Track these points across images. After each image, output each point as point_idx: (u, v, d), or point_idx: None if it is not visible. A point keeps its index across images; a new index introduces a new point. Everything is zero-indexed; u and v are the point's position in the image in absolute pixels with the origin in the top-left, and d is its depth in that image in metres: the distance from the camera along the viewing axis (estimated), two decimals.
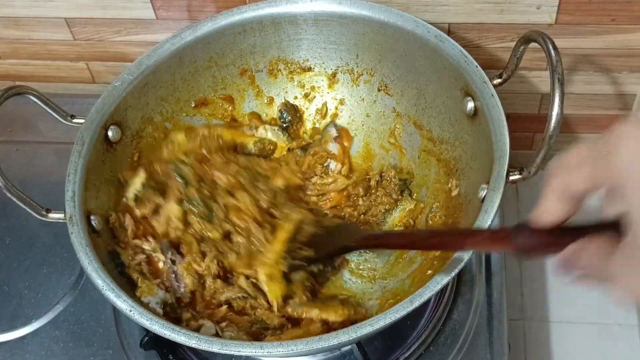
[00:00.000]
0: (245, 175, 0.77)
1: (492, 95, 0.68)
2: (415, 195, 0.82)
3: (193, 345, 0.60)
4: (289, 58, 0.84)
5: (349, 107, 0.86)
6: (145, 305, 0.68)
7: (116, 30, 0.92)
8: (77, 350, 0.79)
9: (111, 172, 0.76)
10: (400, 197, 0.82)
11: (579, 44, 0.85)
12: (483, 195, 0.65)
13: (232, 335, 0.69)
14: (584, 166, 0.42)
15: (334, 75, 0.85)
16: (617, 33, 0.83)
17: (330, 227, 0.77)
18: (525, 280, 0.96)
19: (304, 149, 0.86)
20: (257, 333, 0.71)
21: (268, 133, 0.85)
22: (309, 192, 0.84)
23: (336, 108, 0.87)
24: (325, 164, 0.86)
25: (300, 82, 0.86)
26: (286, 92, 0.86)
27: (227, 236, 0.75)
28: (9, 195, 0.68)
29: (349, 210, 0.83)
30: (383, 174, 0.83)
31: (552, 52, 0.61)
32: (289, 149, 0.86)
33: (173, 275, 0.74)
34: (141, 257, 0.73)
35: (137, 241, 0.74)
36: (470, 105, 0.71)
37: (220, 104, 0.85)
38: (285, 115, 0.86)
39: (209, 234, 0.74)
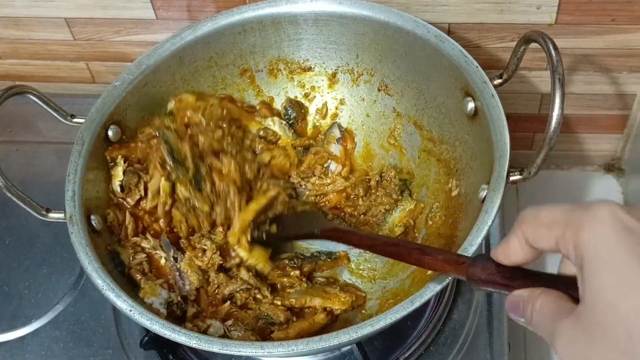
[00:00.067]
0: (231, 143, 0.78)
1: (493, 95, 0.67)
2: (415, 195, 0.82)
3: (193, 345, 0.60)
4: (289, 58, 0.84)
5: (349, 107, 0.86)
6: (147, 306, 0.68)
7: (116, 30, 0.92)
8: (77, 350, 0.79)
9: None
10: (400, 197, 0.82)
11: (579, 44, 0.85)
12: (483, 196, 0.65)
13: (239, 334, 0.70)
14: (554, 228, 0.43)
15: (334, 75, 0.85)
16: (617, 33, 0.83)
17: (299, 211, 0.79)
18: None
19: (306, 148, 0.86)
20: (264, 329, 0.72)
21: (276, 125, 0.84)
22: (307, 192, 0.84)
23: (336, 108, 0.87)
24: (326, 165, 0.86)
25: (300, 82, 0.86)
26: (286, 92, 0.86)
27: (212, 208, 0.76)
28: (9, 195, 0.68)
29: (349, 210, 0.83)
30: (383, 174, 0.83)
31: (553, 52, 0.61)
32: (293, 147, 0.86)
33: (177, 274, 0.74)
34: (141, 256, 0.73)
35: (136, 239, 0.74)
36: (471, 105, 0.71)
37: None
38: (290, 111, 0.86)
39: (197, 203, 0.74)
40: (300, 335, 0.70)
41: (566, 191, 1.01)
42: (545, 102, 0.93)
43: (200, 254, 0.75)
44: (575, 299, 0.42)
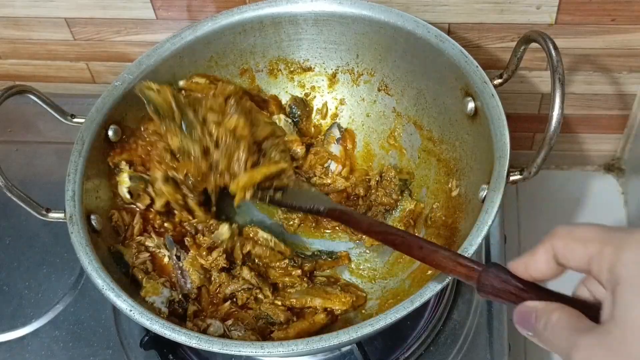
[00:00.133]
0: (241, 112, 0.77)
1: (493, 95, 0.68)
2: (415, 195, 0.82)
3: (193, 345, 0.60)
4: (289, 58, 0.84)
5: (349, 107, 0.86)
6: (149, 305, 0.68)
7: (116, 30, 0.92)
8: (77, 350, 0.79)
9: (111, 171, 0.76)
10: (400, 197, 0.82)
11: (579, 44, 0.85)
12: (483, 196, 0.65)
13: (239, 334, 0.70)
14: (591, 245, 0.43)
15: (334, 75, 0.85)
16: (617, 33, 0.83)
17: (305, 189, 0.79)
18: None
19: (307, 147, 0.86)
20: (264, 329, 0.72)
21: (281, 122, 0.84)
22: None
23: (336, 108, 0.87)
24: (326, 165, 0.86)
25: (300, 82, 0.86)
26: (286, 92, 0.86)
27: (206, 152, 0.74)
28: (9, 194, 0.68)
29: None
30: (383, 174, 0.83)
31: (553, 52, 0.61)
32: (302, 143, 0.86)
33: (179, 272, 0.74)
34: (145, 255, 0.73)
35: (140, 238, 0.74)
36: (471, 105, 0.71)
37: None
38: (294, 110, 0.86)
39: (190, 146, 0.73)
40: (300, 335, 0.70)
41: (566, 191, 1.01)
42: (545, 102, 0.93)
43: (204, 253, 0.75)
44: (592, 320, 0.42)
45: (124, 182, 0.76)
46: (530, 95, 0.92)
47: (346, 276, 0.80)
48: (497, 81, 0.70)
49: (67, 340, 0.80)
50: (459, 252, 0.59)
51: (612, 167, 1.02)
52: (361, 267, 0.80)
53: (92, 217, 0.70)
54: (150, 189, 0.75)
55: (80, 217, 0.68)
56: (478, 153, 0.71)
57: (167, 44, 0.79)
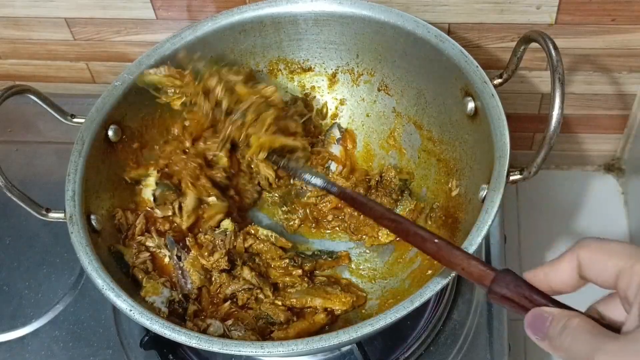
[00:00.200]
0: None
1: (493, 95, 0.67)
2: (415, 195, 0.82)
3: (193, 345, 0.60)
4: (289, 58, 0.84)
5: (349, 107, 0.86)
6: (149, 305, 0.68)
7: (116, 30, 0.92)
8: (77, 350, 0.79)
9: (111, 171, 0.76)
10: (400, 197, 0.82)
11: (579, 44, 0.85)
12: (483, 195, 0.65)
13: (239, 334, 0.70)
14: (620, 259, 0.43)
15: (334, 75, 0.85)
16: (617, 33, 0.83)
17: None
18: None
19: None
20: (264, 329, 0.72)
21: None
22: (308, 193, 0.84)
23: (336, 108, 0.87)
24: (326, 165, 0.86)
25: (300, 82, 0.86)
26: (286, 92, 0.86)
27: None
28: (9, 194, 0.68)
29: (348, 210, 0.83)
30: (383, 174, 0.83)
31: (553, 52, 0.61)
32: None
33: (180, 272, 0.75)
34: (145, 255, 0.73)
35: (141, 237, 0.74)
36: (471, 105, 0.71)
37: None
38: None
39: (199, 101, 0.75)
40: (300, 335, 0.70)
41: (566, 191, 1.02)
42: (545, 102, 0.93)
43: (206, 254, 0.75)
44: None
45: (150, 185, 0.77)
46: (530, 95, 0.92)
47: (346, 276, 0.80)
48: (497, 81, 0.70)
49: (67, 340, 0.80)
50: None
51: (612, 167, 1.02)
52: (361, 267, 0.80)
53: (92, 217, 0.70)
54: (176, 204, 0.77)
55: (80, 217, 0.68)
56: (478, 153, 0.71)
57: (167, 44, 0.78)
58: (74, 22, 0.92)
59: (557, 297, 0.48)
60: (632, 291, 0.42)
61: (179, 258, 0.75)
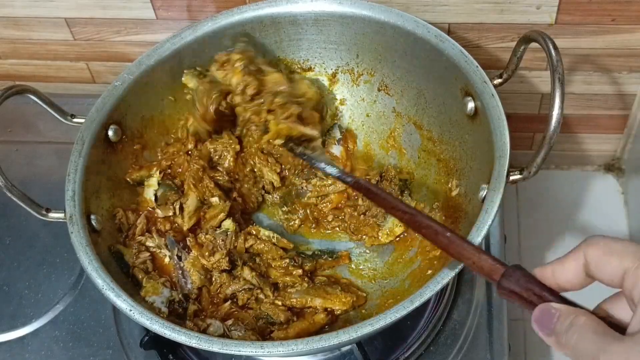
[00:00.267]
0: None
1: (492, 95, 0.68)
2: (415, 195, 0.82)
3: (193, 345, 0.60)
4: (289, 58, 0.84)
5: (349, 107, 0.86)
6: (149, 305, 0.68)
7: (116, 30, 0.92)
8: (77, 350, 0.79)
9: (111, 171, 0.76)
10: (400, 197, 0.82)
11: (579, 44, 0.85)
12: (483, 195, 0.65)
13: (239, 334, 0.70)
14: (627, 259, 0.43)
15: (334, 75, 0.85)
16: (617, 33, 0.83)
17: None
18: None
19: None
20: (264, 328, 0.72)
21: None
22: (309, 194, 0.84)
23: (336, 108, 0.87)
24: None
25: None
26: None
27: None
28: (9, 195, 0.68)
29: (349, 210, 0.83)
30: (383, 174, 0.83)
31: (553, 52, 0.61)
32: None
33: (180, 272, 0.75)
34: (145, 255, 0.73)
35: (141, 237, 0.74)
36: (471, 105, 0.71)
37: None
38: None
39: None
40: (300, 335, 0.70)
41: (566, 191, 1.02)
42: (545, 102, 0.93)
43: (207, 254, 0.75)
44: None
45: (152, 185, 0.77)
46: (530, 95, 0.92)
47: (346, 276, 0.80)
48: (497, 81, 0.70)
49: (67, 340, 0.80)
50: None
51: (612, 167, 1.02)
52: (361, 267, 0.80)
53: (92, 217, 0.70)
54: (177, 204, 0.78)
55: (80, 217, 0.68)
56: (478, 153, 0.71)
57: (167, 44, 0.79)
58: (74, 22, 0.92)
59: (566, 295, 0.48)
60: (637, 292, 0.42)
61: (180, 258, 0.75)
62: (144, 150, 0.80)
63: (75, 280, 0.84)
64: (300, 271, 0.77)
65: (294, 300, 0.74)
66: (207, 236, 0.76)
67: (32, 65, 1.00)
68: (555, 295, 0.47)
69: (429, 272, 0.72)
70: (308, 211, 0.84)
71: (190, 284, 0.74)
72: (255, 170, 0.83)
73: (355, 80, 0.85)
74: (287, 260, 0.77)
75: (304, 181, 0.84)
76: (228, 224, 0.78)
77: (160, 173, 0.79)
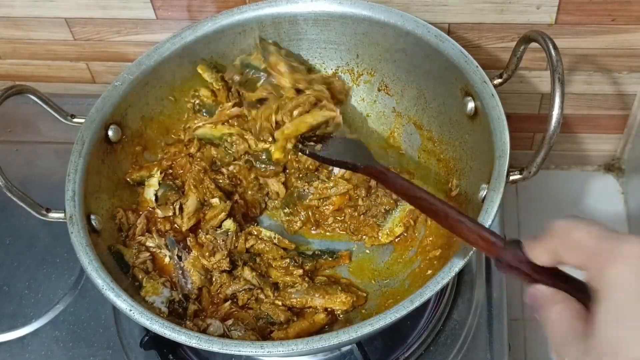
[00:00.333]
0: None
1: (492, 95, 0.68)
2: None
3: (193, 345, 0.60)
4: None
5: (349, 107, 0.86)
6: (149, 305, 0.68)
7: (116, 30, 0.92)
8: (77, 350, 0.79)
9: (111, 171, 0.76)
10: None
11: (579, 44, 0.85)
12: (483, 195, 0.65)
13: (239, 334, 0.70)
14: (583, 253, 0.43)
15: (334, 75, 0.85)
16: (617, 33, 0.83)
17: (348, 138, 0.79)
18: None
19: None
20: (264, 328, 0.72)
21: None
22: (310, 196, 0.84)
23: None
24: (330, 168, 0.85)
25: None
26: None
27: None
28: (9, 195, 0.68)
29: (349, 210, 0.83)
30: None
31: (553, 52, 0.61)
32: None
33: (180, 272, 0.75)
34: (145, 255, 0.73)
35: (141, 238, 0.74)
36: (471, 105, 0.71)
37: None
38: None
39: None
40: (300, 335, 0.70)
41: (566, 191, 1.02)
42: (545, 102, 0.93)
43: (207, 254, 0.75)
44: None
45: (153, 185, 0.77)
46: (530, 95, 0.92)
47: (346, 276, 0.80)
48: (497, 81, 0.70)
49: (67, 340, 0.80)
50: (459, 251, 0.60)
51: (612, 167, 1.02)
52: (361, 267, 0.80)
53: (92, 217, 0.70)
54: (177, 205, 0.78)
55: (80, 217, 0.68)
56: (478, 153, 0.71)
57: (167, 44, 0.79)
58: (73, 22, 0.92)
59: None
60: (592, 286, 0.43)
61: (180, 258, 0.75)
62: (144, 150, 0.80)
63: (75, 280, 0.84)
64: (300, 271, 0.77)
65: (294, 300, 0.74)
66: (207, 236, 0.76)
67: (31, 65, 1.00)
68: (545, 269, 0.48)
69: (429, 272, 0.72)
70: (310, 213, 0.84)
71: (190, 284, 0.74)
72: (260, 181, 0.83)
73: (355, 80, 0.85)
74: (288, 260, 0.77)
75: (306, 184, 0.84)
76: (228, 224, 0.78)
77: (161, 173, 0.79)
